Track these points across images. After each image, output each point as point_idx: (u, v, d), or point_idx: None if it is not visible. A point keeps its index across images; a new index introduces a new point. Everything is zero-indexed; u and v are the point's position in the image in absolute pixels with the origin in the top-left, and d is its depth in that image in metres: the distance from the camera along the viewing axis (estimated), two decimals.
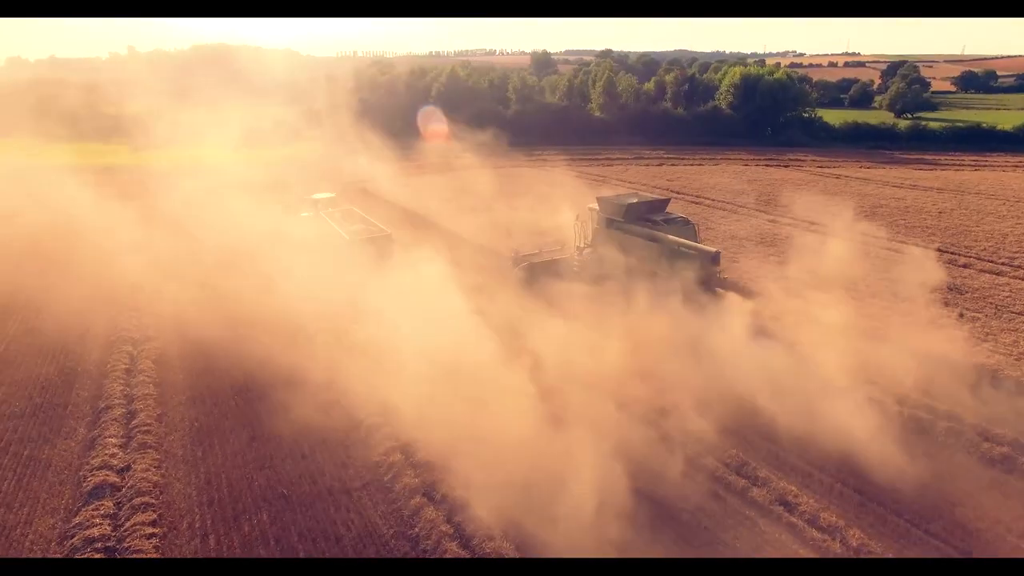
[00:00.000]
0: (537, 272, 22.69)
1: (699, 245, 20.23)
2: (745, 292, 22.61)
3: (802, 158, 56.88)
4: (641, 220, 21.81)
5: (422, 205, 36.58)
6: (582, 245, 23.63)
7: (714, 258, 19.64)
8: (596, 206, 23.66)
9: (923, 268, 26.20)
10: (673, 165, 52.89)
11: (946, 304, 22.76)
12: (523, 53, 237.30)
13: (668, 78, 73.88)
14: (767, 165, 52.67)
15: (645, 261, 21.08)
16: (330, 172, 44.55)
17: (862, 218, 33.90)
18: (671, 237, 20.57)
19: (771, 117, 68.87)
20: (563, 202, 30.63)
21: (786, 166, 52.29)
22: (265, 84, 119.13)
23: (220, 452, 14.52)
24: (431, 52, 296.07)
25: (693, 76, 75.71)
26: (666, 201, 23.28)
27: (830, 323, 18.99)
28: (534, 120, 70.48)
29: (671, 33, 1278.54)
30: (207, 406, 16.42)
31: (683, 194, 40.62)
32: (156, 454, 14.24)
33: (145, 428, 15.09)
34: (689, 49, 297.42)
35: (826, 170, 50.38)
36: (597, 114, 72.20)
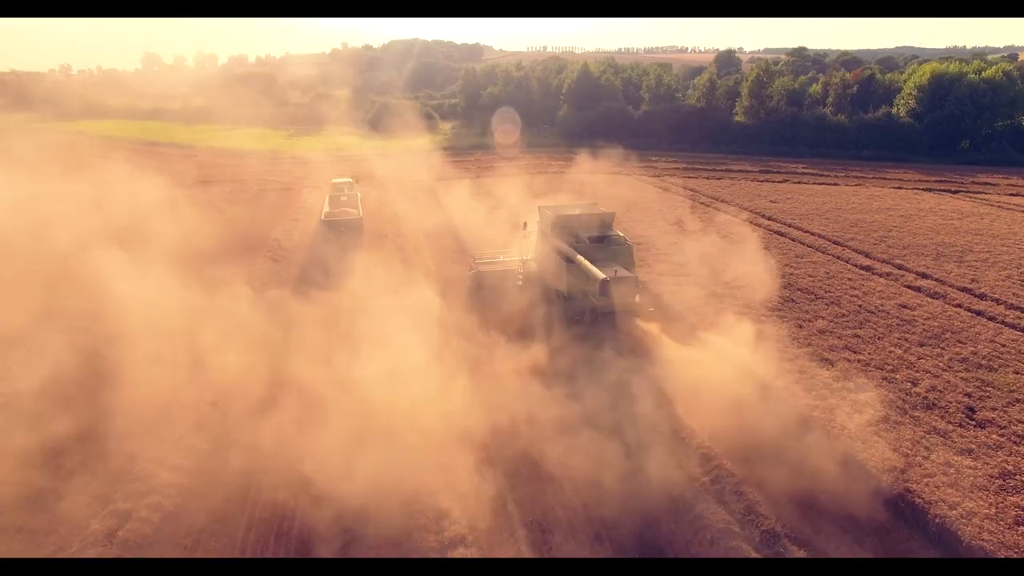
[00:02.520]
0: (484, 281, 20.67)
1: (594, 269, 16.29)
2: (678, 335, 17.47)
3: (995, 182, 43.36)
4: (569, 235, 18.68)
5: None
6: (527, 257, 21.00)
7: (601, 287, 15.68)
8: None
9: None
10: (799, 183, 43.35)
11: None
12: (716, 51, 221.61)
13: (834, 79, 61.59)
14: (927, 190, 40.55)
15: (557, 281, 18.45)
16: (400, 168, 43.76)
17: (1006, 277, 23.93)
18: (578, 257, 17.18)
19: (970, 127, 53.95)
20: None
21: (955, 192, 39.83)
22: (431, 78, 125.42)
23: None
24: (620, 48, 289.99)
25: (871, 76, 62.17)
26: (610, 215, 19.53)
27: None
28: (664, 122, 63.75)
29: (892, 28, 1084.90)
30: None
31: (773, 221, 32.55)
32: None
33: None
34: (914, 45, 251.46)
35: (1015, 199, 37.50)
36: (739, 119, 62.95)
